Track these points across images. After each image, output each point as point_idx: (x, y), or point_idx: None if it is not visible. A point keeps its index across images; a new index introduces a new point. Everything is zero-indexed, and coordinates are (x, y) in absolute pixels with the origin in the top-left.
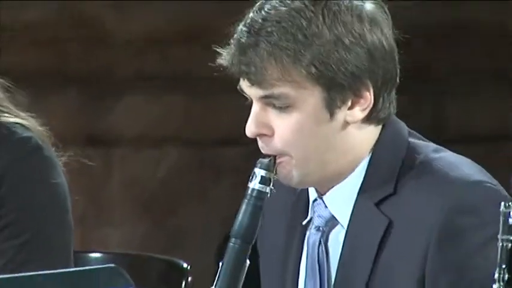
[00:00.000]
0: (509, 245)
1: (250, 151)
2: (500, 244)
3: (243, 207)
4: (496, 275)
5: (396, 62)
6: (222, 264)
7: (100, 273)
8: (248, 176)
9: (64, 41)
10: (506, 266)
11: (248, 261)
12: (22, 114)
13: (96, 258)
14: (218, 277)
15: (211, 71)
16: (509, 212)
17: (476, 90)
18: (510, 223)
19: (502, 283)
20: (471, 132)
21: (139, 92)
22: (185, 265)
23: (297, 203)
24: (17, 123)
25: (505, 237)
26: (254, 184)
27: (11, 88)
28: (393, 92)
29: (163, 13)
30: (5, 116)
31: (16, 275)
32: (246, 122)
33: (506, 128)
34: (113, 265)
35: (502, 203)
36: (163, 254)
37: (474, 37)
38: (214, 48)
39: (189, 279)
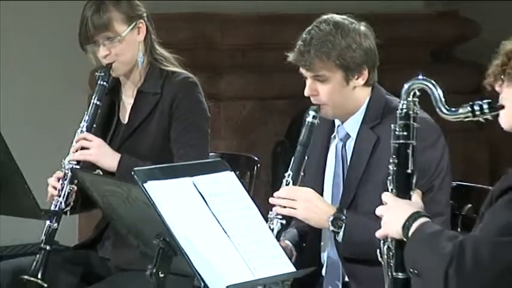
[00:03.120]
0: (396, 145)
1: (289, 103)
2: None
3: (303, 130)
4: (391, 167)
5: (377, 57)
6: (293, 158)
7: (212, 164)
8: (288, 115)
9: (196, 48)
10: (396, 157)
11: (306, 158)
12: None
13: (210, 156)
14: (292, 163)
15: (271, 63)
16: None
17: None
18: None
19: (394, 167)
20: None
21: (233, 73)
22: (256, 158)
23: (327, 127)
24: (182, 72)
25: (393, 142)
26: (309, 118)
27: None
28: (376, 71)
29: (247, 32)
30: (177, 67)
31: (159, 166)
32: (287, 88)
33: None
34: (219, 159)
35: None
36: (245, 152)
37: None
38: (284, 54)
39: (258, 165)
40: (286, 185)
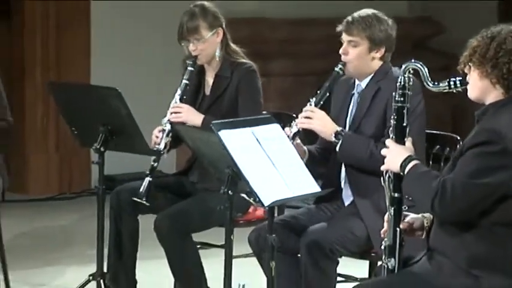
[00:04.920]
0: (396, 107)
1: (316, 79)
2: (394, 106)
3: (330, 77)
4: (392, 121)
5: (394, 44)
6: (319, 91)
7: (265, 119)
8: (316, 87)
9: (253, 42)
10: (395, 115)
11: (328, 94)
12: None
13: (263, 114)
14: (318, 93)
15: (305, 52)
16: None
17: None
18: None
19: (394, 121)
20: None
21: (278, 59)
22: (294, 115)
23: (350, 86)
24: (246, 62)
25: (394, 104)
26: (337, 68)
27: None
28: (390, 54)
29: (289, 31)
30: (243, 58)
31: (229, 120)
32: (315, 69)
33: None
34: (269, 115)
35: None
36: (286, 111)
37: None
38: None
39: (295, 120)
40: (310, 105)
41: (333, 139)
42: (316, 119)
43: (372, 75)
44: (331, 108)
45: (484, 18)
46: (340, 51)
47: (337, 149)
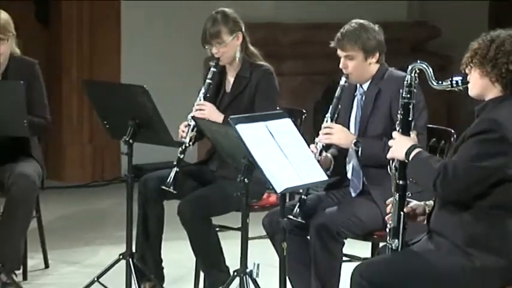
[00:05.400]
0: (403, 103)
1: (324, 78)
2: (401, 102)
3: (338, 89)
4: (399, 116)
5: (384, 46)
6: (331, 106)
7: (277, 114)
8: (323, 85)
9: (267, 44)
10: (402, 110)
11: (339, 106)
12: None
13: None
14: (330, 109)
15: (313, 53)
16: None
17: None
18: (403, 95)
19: (400, 116)
20: None
21: (290, 59)
22: (304, 111)
23: (352, 88)
24: (264, 64)
25: (401, 101)
26: (342, 82)
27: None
28: (383, 55)
29: (299, 34)
30: (261, 61)
31: (244, 115)
32: (323, 69)
33: None
34: (281, 111)
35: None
36: (297, 107)
37: None
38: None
39: (305, 115)
40: (326, 121)
41: (353, 148)
42: (335, 133)
43: (372, 78)
44: (340, 112)
45: (476, 23)
46: (340, 66)
47: (359, 154)
